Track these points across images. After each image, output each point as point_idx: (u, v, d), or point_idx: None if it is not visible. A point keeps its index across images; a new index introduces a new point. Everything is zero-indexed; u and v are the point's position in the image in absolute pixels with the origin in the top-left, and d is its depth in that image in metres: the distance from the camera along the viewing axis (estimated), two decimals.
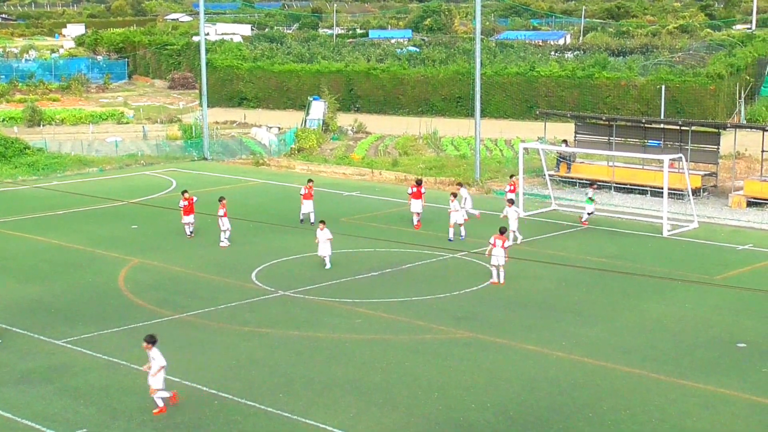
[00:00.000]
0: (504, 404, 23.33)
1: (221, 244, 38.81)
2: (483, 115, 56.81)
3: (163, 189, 51.69)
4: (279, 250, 38.08)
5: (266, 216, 42.98)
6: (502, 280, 33.14)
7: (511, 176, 44.94)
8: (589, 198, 42.66)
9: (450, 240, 39.10)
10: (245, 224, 40.70)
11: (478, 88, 53.16)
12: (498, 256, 33.07)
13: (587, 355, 26.57)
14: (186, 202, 39.90)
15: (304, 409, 22.98)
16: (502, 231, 33.59)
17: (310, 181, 43.28)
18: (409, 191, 42.24)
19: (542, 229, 41.93)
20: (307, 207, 42.13)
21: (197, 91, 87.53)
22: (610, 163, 51.26)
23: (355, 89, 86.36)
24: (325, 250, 35.09)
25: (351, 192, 50.83)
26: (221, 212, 38.78)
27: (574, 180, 51.43)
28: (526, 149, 48.06)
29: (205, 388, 24.33)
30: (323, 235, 34.98)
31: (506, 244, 34.30)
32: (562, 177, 51.77)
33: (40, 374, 25.52)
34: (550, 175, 48.87)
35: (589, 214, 42.60)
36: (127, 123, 79.34)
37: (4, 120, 78.04)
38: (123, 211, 45.65)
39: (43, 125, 76.72)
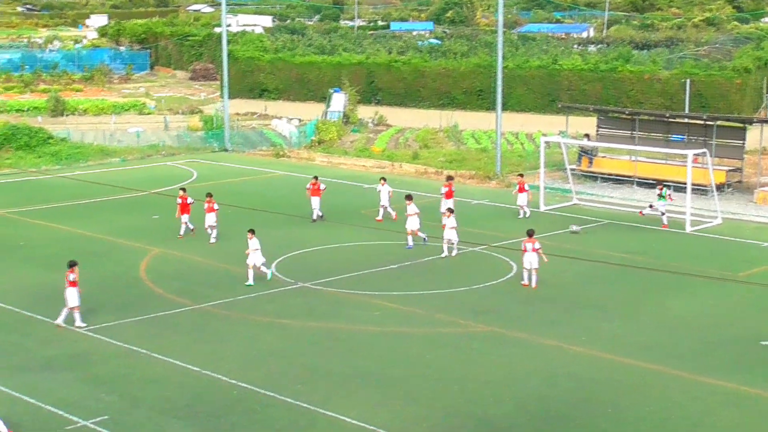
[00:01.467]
0: (523, 399, 23.30)
1: (210, 240, 38.17)
2: (504, 108, 56.64)
3: (184, 179, 51.76)
4: (299, 241, 38.10)
5: (286, 208, 42.94)
6: (534, 284, 32.21)
7: (521, 175, 44.15)
8: (661, 195, 41.32)
9: (408, 247, 36.86)
10: (265, 215, 40.73)
11: (499, 81, 53.01)
12: (531, 260, 32.17)
13: (607, 350, 26.48)
14: (180, 200, 39.06)
15: (323, 401, 23.02)
16: (530, 233, 32.81)
17: (315, 177, 42.26)
18: (442, 190, 40.98)
19: (563, 224, 41.78)
20: (315, 203, 41.53)
21: (218, 82, 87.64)
22: (633, 158, 51.05)
23: (376, 81, 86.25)
24: (257, 258, 32.45)
25: (371, 185, 50.76)
26: (205, 207, 38.14)
27: (596, 174, 51.24)
28: (547, 143, 47.90)
29: (224, 378, 24.41)
30: (253, 244, 32.41)
31: (443, 255, 35.14)
32: (583, 171, 51.60)
33: (63, 361, 25.69)
34: (571, 170, 48.72)
35: (662, 213, 41.34)
36: (149, 114, 79.56)
37: (28, 110, 78.45)
38: (144, 201, 45.80)
39: (67, 115, 77.07)
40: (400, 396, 23.53)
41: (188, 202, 38.95)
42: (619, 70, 77.30)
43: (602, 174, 51.19)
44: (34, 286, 32.56)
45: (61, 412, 22.32)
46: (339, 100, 73.67)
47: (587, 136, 53.45)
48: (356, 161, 57.75)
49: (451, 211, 36.29)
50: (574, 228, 39.98)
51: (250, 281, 32.24)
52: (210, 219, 38.13)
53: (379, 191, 41.73)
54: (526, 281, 32.36)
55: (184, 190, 39.91)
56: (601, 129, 53.25)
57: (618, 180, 50.42)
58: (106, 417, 22.11)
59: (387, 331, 28.22)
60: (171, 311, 29.81)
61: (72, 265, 28.61)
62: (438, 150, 61.26)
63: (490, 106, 64.78)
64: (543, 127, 65.78)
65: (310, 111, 76.60)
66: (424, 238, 37.31)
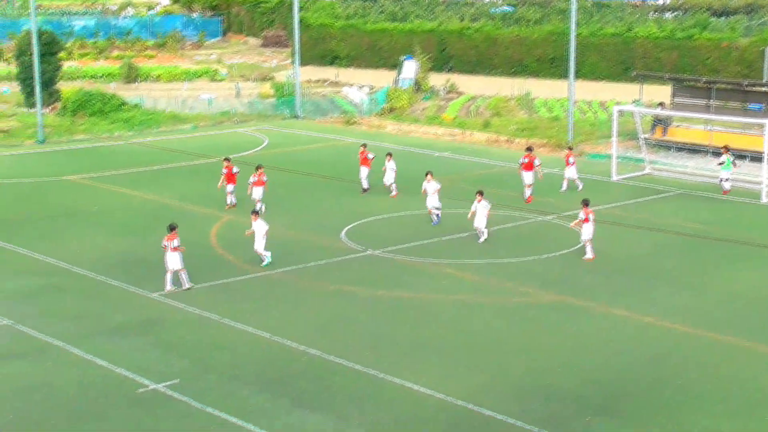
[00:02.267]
0: (590, 370, 23.14)
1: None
2: (577, 76, 55.99)
3: (255, 147, 52.15)
4: (368, 209, 38.16)
5: (356, 175, 42.94)
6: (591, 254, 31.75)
7: (570, 148, 43.26)
8: (728, 163, 40.81)
9: (434, 224, 35.99)
10: (335, 183, 40.83)
11: (572, 49, 52.39)
12: (587, 231, 31.66)
13: (677, 322, 26.17)
14: (225, 170, 38.54)
15: (390, 368, 23.09)
16: (587, 203, 32.27)
17: (363, 145, 41.91)
18: (521, 161, 39.94)
19: (635, 194, 41.32)
20: (363, 173, 41.05)
21: (290, 49, 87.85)
22: (708, 127, 50.20)
23: (447, 49, 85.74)
24: (260, 244, 31.06)
25: (441, 152, 50.66)
26: (251, 180, 37.25)
27: (670, 144, 50.49)
28: (620, 112, 47.28)
29: (293, 344, 24.60)
30: (259, 226, 31.02)
31: (481, 240, 33.47)
32: (657, 140, 50.88)
33: (135, 326, 26.09)
34: (644, 139, 48.05)
35: (725, 179, 40.84)
36: (221, 80, 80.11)
37: (102, 76, 79.45)
38: (215, 168, 46.00)
39: (140, 82, 77.94)
40: (468, 365, 23.52)
41: (234, 171, 38.44)
42: (696, 38, 75.84)
43: (676, 143, 50.42)
44: (107, 251, 33.08)
45: (133, 376, 22.71)
46: (410, 68, 73.40)
47: (662, 105, 52.67)
48: (427, 129, 57.62)
49: (481, 194, 33.64)
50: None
51: (268, 259, 31.16)
52: (257, 192, 37.33)
53: (384, 169, 40.67)
54: (590, 255, 31.78)
55: (228, 159, 39.26)
56: (676, 98, 52.39)
57: (692, 150, 49.61)
58: (176, 381, 22.44)
59: (455, 299, 28.19)
60: (241, 278, 30.10)
61: (173, 228, 28.93)
62: (509, 118, 60.83)
63: (563, 74, 63.99)
64: (616, 96, 64.94)
65: (382, 78, 76.51)
66: (437, 216, 36.00)
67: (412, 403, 21.42)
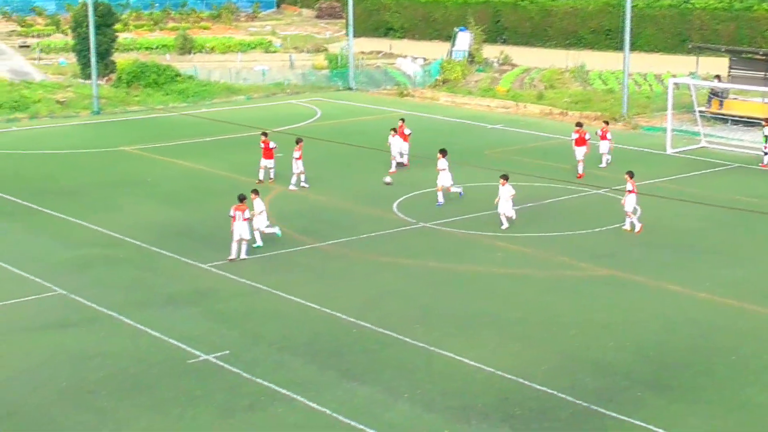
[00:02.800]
0: (642, 344, 22.97)
1: (290, 187, 37.11)
2: (633, 48, 55.32)
3: (308, 118, 52.23)
4: (420, 181, 38.04)
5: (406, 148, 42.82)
6: (632, 228, 31.35)
7: (606, 122, 42.34)
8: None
9: (439, 204, 34.89)
10: (388, 155, 40.74)
11: (628, 21, 51.77)
12: (630, 203, 31.36)
13: (730, 296, 25.87)
14: (263, 145, 38.25)
15: (440, 341, 23.08)
16: (632, 174, 31.84)
17: (402, 120, 41.39)
18: (572, 137, 39.43)
19: (689, 167, 40.83)
20: (398, 148, 40.37)
21: (344, 20, 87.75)
22: (766, 100, 49.41)
23: (502, 21, 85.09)
24: (261, 222, 30.12)
25: (495, 125, 50.40)
26: (296, 155, 37.06)
27: (726, 117, 49.80)
28: (676, 84, 46.67)
29: (343, 317, 24.67)
30: (258, 205, 30.07)
31: (503, 227, 31.84)
32: (713, 113, 50.20)
33: (186, 297, 26.31)
34: (700, 112, 47.44)
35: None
36: (275, 52, 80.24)
37: (157, 47, 79.91)
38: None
39: (194, 53, 78.30)
40: (518, 338, 23.46)
41: (270, 146, 38.12)
42: (755, 9, 74.47)
43: (733, 116, 49.72)
44: (160, 222, 33.36)
45: (183, 346, 22.91)
46: (464, 39, 72.97)
47: (718, 77, 51.96)
48: (480, 101, 57.34)
49: (506, 178, 31.82)
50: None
51: (259, 242, 30.15)
52: (299, 166, 37.12)
53: (390, 144, 40.10)
54: (640, 226, 31.50)
55: (265, 134, 38.86)
56: (733, 70, 51.63)
57: (749, 123, 48.88)
58: (227, 352, 22.61)
59: (507, 272, 28.10)
60: (292, 249, 30.21)
61: (243, 199, 29.11)
62: (564, 90, 60.33)
63: (619, 46, 63.35)
64: (672, 68, 64.13)
65: (435, 50, 76.15)
66: (460, 192, 35.43)
67: (462, 377, 21.41)
